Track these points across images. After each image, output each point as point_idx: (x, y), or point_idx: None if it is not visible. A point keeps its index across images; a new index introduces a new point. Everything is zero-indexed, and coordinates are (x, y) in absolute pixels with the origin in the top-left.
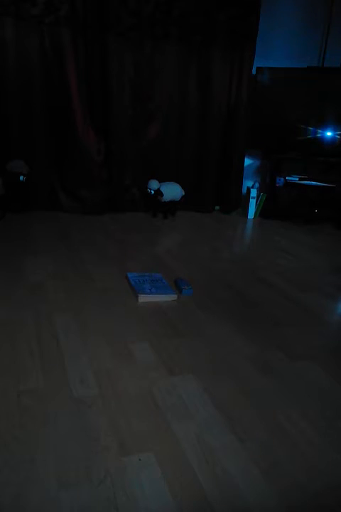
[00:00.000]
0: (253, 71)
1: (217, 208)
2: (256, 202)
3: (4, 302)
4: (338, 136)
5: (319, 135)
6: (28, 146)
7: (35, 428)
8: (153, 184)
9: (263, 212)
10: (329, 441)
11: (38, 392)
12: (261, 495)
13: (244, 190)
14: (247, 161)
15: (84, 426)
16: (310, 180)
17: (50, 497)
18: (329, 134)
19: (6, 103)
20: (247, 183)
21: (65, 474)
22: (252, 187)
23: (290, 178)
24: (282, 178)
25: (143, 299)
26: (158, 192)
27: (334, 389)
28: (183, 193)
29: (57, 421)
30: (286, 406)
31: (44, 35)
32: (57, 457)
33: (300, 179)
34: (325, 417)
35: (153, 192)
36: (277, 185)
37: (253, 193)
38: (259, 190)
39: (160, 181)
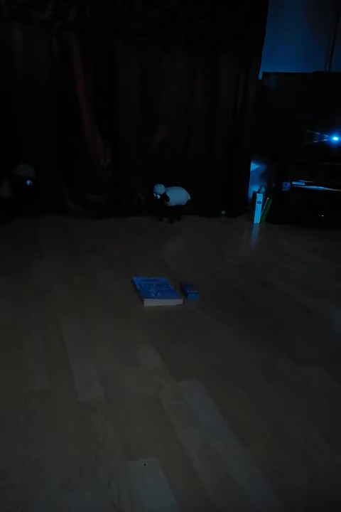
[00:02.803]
0: (260, 76)
1: (223, 212)
2: (262, 207)
3: (11, 305)
4: None
5: (325, 140)
6: (35, 150)
7: (40, 430)
8: (159, 188)
9: (269, 217)
10: (334, 447)
11: (44, 395)
12: (266, 500)
13: (250, 194)
14: (253, 166)
15: (89, 429)
16: (317, 185)
17: (54, 500)
18: (335, 138)
19: (14, 107)
20: (253, 187)
21: (70, 477)
22: (258, 192)
23: (296, 183)
24: (288, 183)
25: (148, 303)
26: (164, 196)
27: (340, 394)
28: (189, 198)
29: (62, 424)
30: (291, 411)
31: (52, 41)
32: (62, 460)
33: (307, 184)
34: (329, 422)
35: (159, 196)
36: (283, 190)
37: (260, 197)
38: (265, 195)
39: (166, 186)
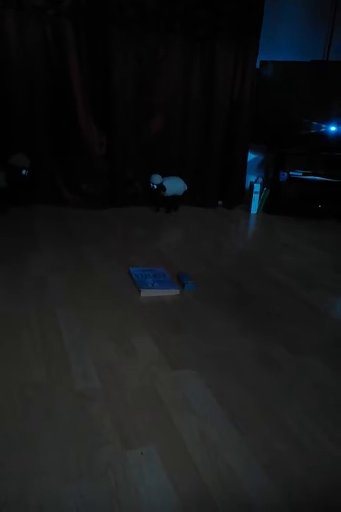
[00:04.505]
0: (257, 65)
1: (220, 202)
2: (260, 197)
3: (7, 296)
4: None
5: (323, 130)
6: (31, 140)
7: (37, 421)
8: (156, 178)
9: (266, 208)
10: (330, 437)
11: (41, 385)
12: (263, 489)
13: (247, 185)
14: (250, 156)
15: (86, 419)
16: (314, 175)
17: (52, 489)
18: (333, 128)
19: (8, 96)
20: (250, 177)
21: (68, 467)
22: (255, 182)
23: (293, 173)
24: (285, 173)
25: (145, 293)
26: (161, 186)
27: (337, 384)
28: (186, 188)
29: (59, 414)
30: (288, 401)
31: (46, 28)
32: (60, 450)
33: (304, 174)
34: (326, 412)
35: (155, 186)
36: (280, 180)
37: (257, 187)
38: (262, 185)
39: (163, 175)
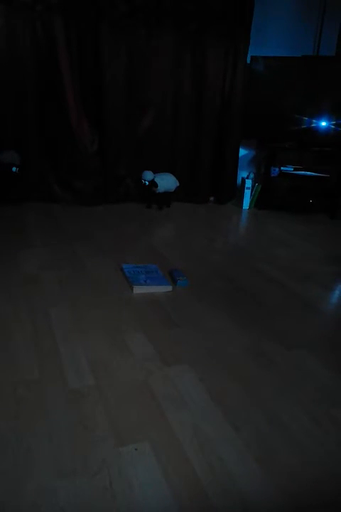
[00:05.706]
0: (248, 60)
1: (211, 198)
2: (251, 192)
3: None
4: (333, 126)
5: (314, 125)
6: (21, 137)
7: (31, 419)
8: (148, 175)
9: (258, 203)
10: (324, 430)
11: (34, 383)
12: (257, 483)
13: (239, 180)
14: (242, 152)
15: (80, 416)
16: (305, 170)
17: (46, 487)
18: (323, 123)
19: None
20: (242, 173)
21: (62, 464)
22: (247, 177)
23: (284, 168)
24: (277, 169)
25: (138, 290)
26: (153, 183)
27: (330, 378)
28: (178, 184)
29: (53, 412)
30: (281, 395)
31: (36, 24)
32: (54, 447)
33: (295, 169)
34: (319, 406)
35: (147, 183)
36: (272, 175)
37: (248, 183)
38: (254, 181)
39: (154, 172)
